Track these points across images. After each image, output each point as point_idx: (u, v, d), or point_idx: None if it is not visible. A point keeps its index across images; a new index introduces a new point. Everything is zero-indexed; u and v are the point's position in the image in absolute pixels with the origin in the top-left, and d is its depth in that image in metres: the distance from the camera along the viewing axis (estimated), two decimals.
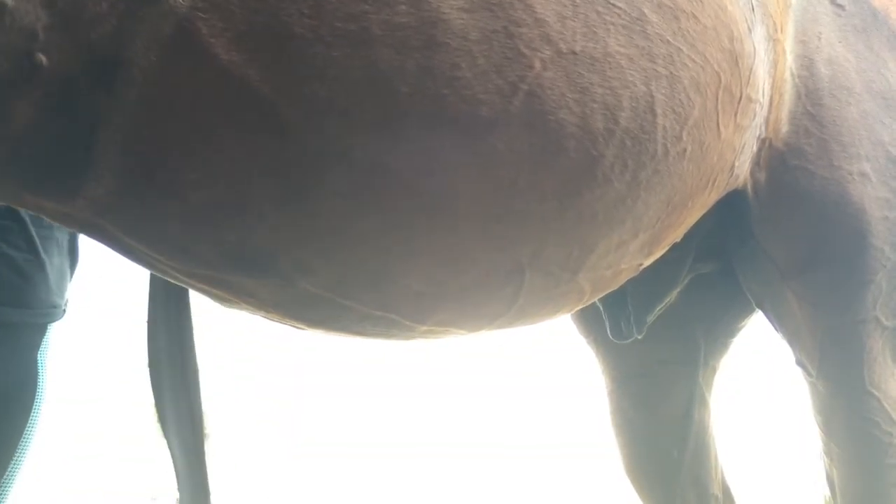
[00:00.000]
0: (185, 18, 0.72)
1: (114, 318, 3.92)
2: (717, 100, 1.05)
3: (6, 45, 0.67)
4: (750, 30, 1.10)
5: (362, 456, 3.42)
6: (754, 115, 1.15)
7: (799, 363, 1.40)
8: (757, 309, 1.48)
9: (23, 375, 1.31)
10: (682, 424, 1.64)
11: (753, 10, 1.12)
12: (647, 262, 1.17)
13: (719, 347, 1.65)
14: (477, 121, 0.85)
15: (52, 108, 0.72)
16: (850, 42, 1.31)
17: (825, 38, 1.28)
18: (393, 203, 0.86)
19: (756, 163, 1.23)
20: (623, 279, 1.16)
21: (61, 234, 1.35)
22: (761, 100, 1.16)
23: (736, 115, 1.10)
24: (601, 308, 1.47)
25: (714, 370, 1.67)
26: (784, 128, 1.25)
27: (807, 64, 1.26)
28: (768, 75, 1.17)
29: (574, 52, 0.89)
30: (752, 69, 1.10)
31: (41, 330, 1.34)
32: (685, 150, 1.04)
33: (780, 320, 1.40)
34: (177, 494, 1.12)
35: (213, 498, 1.11)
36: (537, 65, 0.87)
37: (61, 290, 1.37)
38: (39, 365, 1.34)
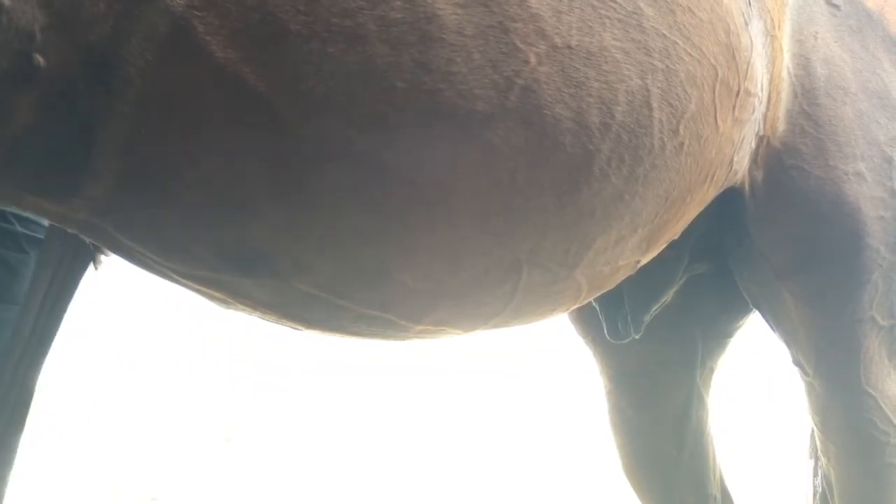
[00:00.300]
0: (181, 17, 0.72)
1: (114, 317, 3.92)
2: (714, 93, 1.05)
3: (4, 45, 0.67)
4: (746, 23, 1.10)
5: (362, 456, 3.42)
6: (753, 110, 1.15)
7: (796, 363, 1.41)
8: (754, 309, 1.48)
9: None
10: (680, 424, 1.65)
11: (750, 4, 1.12)
12: (645, 259, 1.17)
13: (717, 347, 1.65)
14: (473, 116, 0.85)
15: (51, 109, 0.72)
16: (845, 42, 1.31)
17: (821, 37, 1.28)
18: (390, 198, 0.86)
19: (754, 161, 1.23)
20: (621, 277, 1.16)
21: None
22: (760, 94, 1.16)
23: (734, 108, 1.10)
24: (598, 308, 1.47)
25: (712, 370, 1.68)
26: (781, 126, 1.25)
27: (803, 63, 1.26)
28: (766, 71, 1.17)
29: (569, 47, 0.89)
30: (749, 62, 1.10)
31: None
32: (682, 144, 1.04)
33: (776, 320, 1.40)
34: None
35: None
36: (533, 59, 0.87)
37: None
38: None
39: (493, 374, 4.03)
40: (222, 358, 3.99)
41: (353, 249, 0.89)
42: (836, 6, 1.32)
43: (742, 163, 1.21)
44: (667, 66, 0.98)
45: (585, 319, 1.60)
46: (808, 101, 1.26)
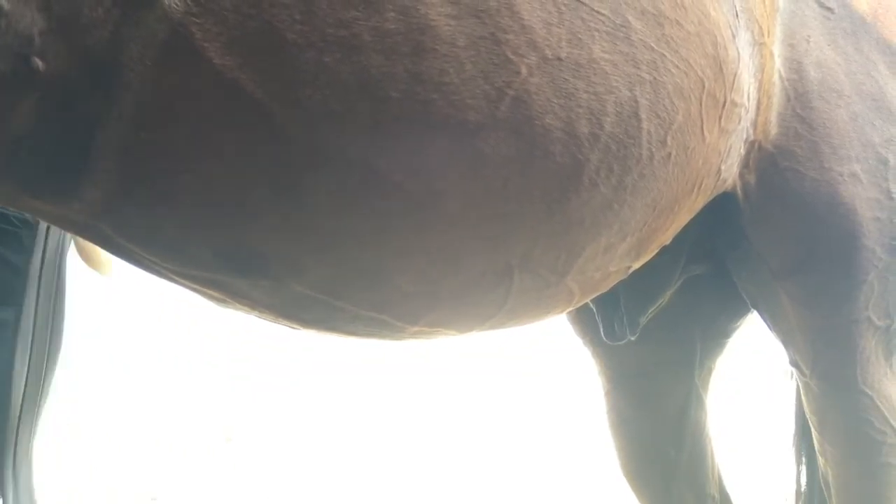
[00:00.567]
0: (180, 23, 0.73)
1: (114, 317, 3.93)
2: (701, 105, 1.06)
3: (2, 48, 0.68)
4: (734, 35, 1.11)
5: (362, 456, 3.42)
6: (739, 119, 1.16)
7: (793, 363, 1.41)
8: (752, 309, 1.49)
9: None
10: (679, 424, 1.65)
11: (738, 15, 1.13)
12: (636, 265, 1.19)
13: (715, 347, 1.66)
14: (465, 125, 0.86)
15: (49, 112, 0.73)
16: (839, 45, 1.32)
17: (814, 41, 1.29)
18: (384, 203, 0.87)
19: (745, 165, 1.24)
20: (612, 281, 1.17)
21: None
22: (746, 104, 1.17)
23: (720, 119, 1.11)
24: (594, 310, 1.48)
25: (710, 370, 1.68)
26: (773, 130, 1.25)
27: (795, 67, 1.26)
28: (754, 79, 1.18)
29: (559, 59, 0.91)
30: (736, 74, 1.12)
31: None
32: (670, 155, 1.05)
33: (774, 321, 1.41)
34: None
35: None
36: (524, 70, 0.88)
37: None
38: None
39: (492, 374, 4.04)
40: (222, 358, 3.99)
41: (348, 252, 0.90)
42: (829, 9, 1.32)
43: (730, 170, 1.22)
44: (655, 79, 0.99)
45: (583, 320, 1.60)
46: (801, 105, 1.26)
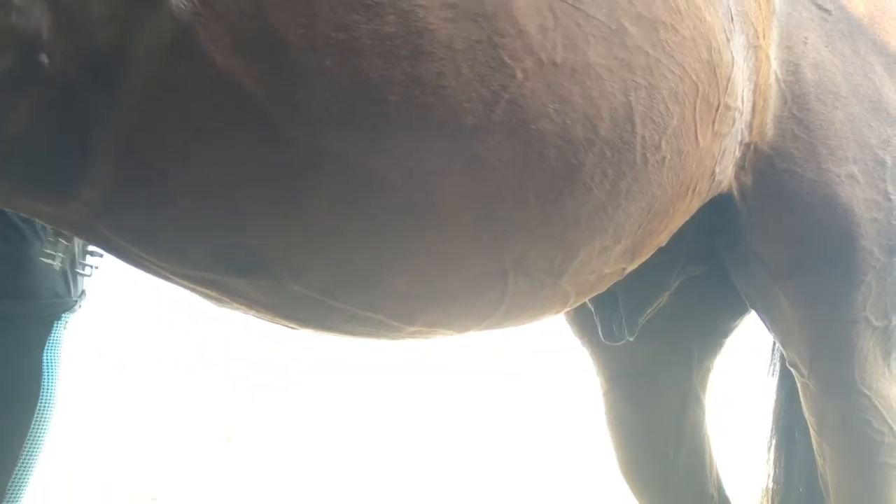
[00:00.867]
0: (186, 24, 0.74)
1: (113, 318, 3.93)
2: (695, 109, 1.07)
3: (10, 43, 0.68)
4: (728, 39, 1.11)
5: (362, 455, 3.42)
6: (733, 122, 1.16)
7: (791, 363, 1.41)
8: (750, 309, 1.49)
9: (25, 373, 1.30)
10: (677, 424, 1.65)
11: (732, 19, 1.13)
12: (632, 267, 1.19)
13: (713, 347, 1.66)
14: (461, 128, 0.87)
15: (50, 110, 0.73)
16: (836, 46, 1.32)
17: (811, 42, 1.29)
18: (381, 205, 0.88)
19: (741, 167, 1.24)
20: (608, 283, 1.18)
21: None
22: (740, 107, 1.17)
23: (714, 123, 1.11)
24: (592, 310, 1.48)
25: (708, 370, 1.68)
26: (770, 132, 1.25)
27: (792, 69, 1.27)
28: (749, 82, 1.18)
29: (555, 63, 0.91)
30: (730, 78, 1.12)
31: (45, 325, 1.33)
32: (664, 159, 1.05)
33: (772, 321, 1.41)
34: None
35: None
36: (519, 75, 0.88)
37: (67, 282, 1.35)
38: (45, 363, 1.32)
39: (491, 373, 4.04)
40: (222, 358, 3.99)
41: (345, 253, 0.91)
42: (826, 11, 1.32)
43: (725, 173, 1.22)
44: (650, 84, 1.00)
45: (582, 321, 1.60)
46: (798, 106, 1.26)
